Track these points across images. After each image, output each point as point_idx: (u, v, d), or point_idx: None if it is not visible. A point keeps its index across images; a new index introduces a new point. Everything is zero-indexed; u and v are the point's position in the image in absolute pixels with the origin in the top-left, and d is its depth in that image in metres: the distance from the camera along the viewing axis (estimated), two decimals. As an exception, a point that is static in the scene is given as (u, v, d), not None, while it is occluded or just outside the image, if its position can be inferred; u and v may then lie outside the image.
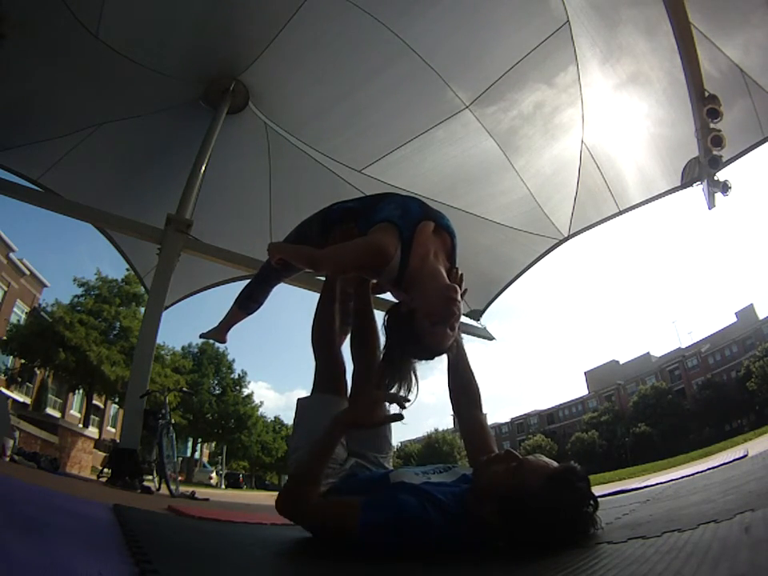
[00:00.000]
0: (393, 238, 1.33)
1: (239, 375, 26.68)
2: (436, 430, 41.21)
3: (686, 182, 4.37)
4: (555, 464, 1.01)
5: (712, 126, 3.77)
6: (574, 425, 40.69)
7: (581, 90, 4.52)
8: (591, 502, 0.97)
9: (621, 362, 41.70)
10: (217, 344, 22.60)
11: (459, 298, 1.29)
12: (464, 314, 4.29)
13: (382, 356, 1.38)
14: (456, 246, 1.51)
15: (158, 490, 4.27)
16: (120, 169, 5.42)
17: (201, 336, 2.25)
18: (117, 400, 16.88)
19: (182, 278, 5.07)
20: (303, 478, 1.18)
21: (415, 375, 1.37)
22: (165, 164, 5.39)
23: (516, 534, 0.97)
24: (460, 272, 1.46)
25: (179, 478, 5.16)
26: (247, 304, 2.06)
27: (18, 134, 4.74)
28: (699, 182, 4.14)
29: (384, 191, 1.75)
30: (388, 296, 1.70)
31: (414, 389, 1.36)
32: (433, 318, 1.25)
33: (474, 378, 1.45)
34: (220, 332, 2.16)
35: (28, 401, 16.76)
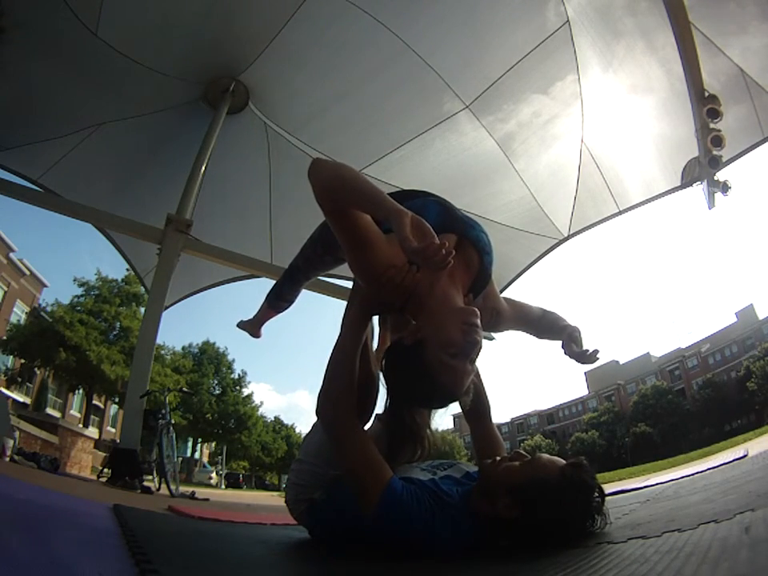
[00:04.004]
0: (395, 250, 1.11)
1: (239, 375, 26.69)
2: (436, 430, 41.06)
3: (686, 182, 4.38)
4: (563, 461, 1.05)
5: (712, 126, 3.78)
6: (573, 425, 40.69)
7: (581, 90, 4.52)
8: (599, 494, 1.02)
9: (621, 362, 41.65)
10: (217, 344, 22.44)
11: (479, 323, 1.05)
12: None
13: (384, 412, 1.18)
14: (489, 265, 1.25)
15: (158, 489, 4.26)
16: (120, 169, 5.42)
17: (238, 325, 2.22)
18: (117, 400, 16.89)
19: (182, 278, 5.08)
20: (335, 374, 1.11)
21: (429, 430, 1.24)
22: (165, 164, 5.39)
23: (529, 527, 0.97)
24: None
25: (180, 477, 5.16)
26: (276, 303, 2.01)
27: (18, 134, 4.74)
28: (699, 182, 4.15)
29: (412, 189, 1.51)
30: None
31: (427, 446, 1.23)
32: (450, 349, 1.01)
33: (487, 397, 1.38)
34: (253, 326, 2.14)
35: (28, 401, 16.77)
